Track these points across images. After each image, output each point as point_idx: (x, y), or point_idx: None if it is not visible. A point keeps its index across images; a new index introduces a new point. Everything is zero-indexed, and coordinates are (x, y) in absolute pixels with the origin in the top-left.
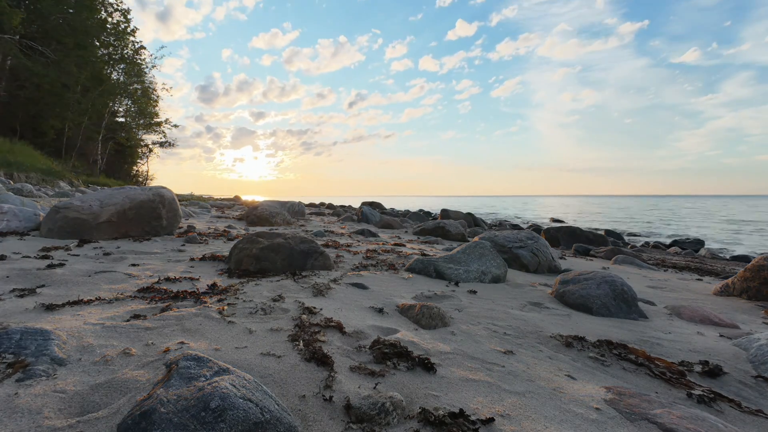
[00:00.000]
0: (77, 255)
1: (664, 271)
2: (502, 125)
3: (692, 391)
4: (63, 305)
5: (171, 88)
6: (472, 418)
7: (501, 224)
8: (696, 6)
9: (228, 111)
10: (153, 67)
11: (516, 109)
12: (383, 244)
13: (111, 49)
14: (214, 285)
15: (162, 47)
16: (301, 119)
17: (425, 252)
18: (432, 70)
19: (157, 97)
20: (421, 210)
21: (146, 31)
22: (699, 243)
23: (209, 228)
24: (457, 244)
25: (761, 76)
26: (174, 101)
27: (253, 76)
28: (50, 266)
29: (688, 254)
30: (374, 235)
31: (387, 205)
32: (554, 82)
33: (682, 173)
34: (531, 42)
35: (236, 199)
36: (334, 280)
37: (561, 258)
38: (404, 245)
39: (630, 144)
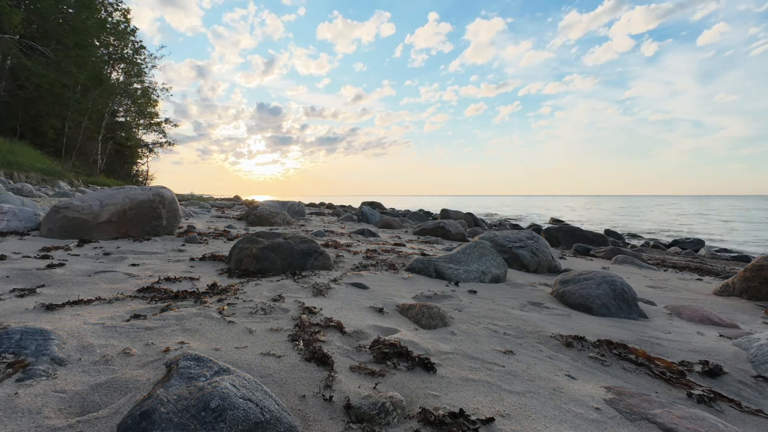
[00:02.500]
0: (77, 255)
1: (664, 271)
2: (503, 132)
3: (692, 391)
4: (63, 305)
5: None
6: (472, 417)
7: (501, 224)
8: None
9: (274, 124)
10: (153, 67)
11: (517, 120)
12: (383, 243)
13: (111, 48)
14: (214, 285)
15: (162, 47)
16: (333, 130)
17: (425, 252)
18: (448, 97)
19: (157, 96)
20: (421, 210)
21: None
22: (699, 243)
23: (209, 228)
24: (457, 244)
25: (697, 125)
26: (234, 119)
27: (305, 102)
28: (50, 266)
29: (687, 254)
30: (374, 234)
31: (387, 205)
32: (547, 102)
33: (671, 175)
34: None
35: (236, 198)
36: (334, 280)
37: (561, 258)
38: (404, 245)
39: (622, 155)
